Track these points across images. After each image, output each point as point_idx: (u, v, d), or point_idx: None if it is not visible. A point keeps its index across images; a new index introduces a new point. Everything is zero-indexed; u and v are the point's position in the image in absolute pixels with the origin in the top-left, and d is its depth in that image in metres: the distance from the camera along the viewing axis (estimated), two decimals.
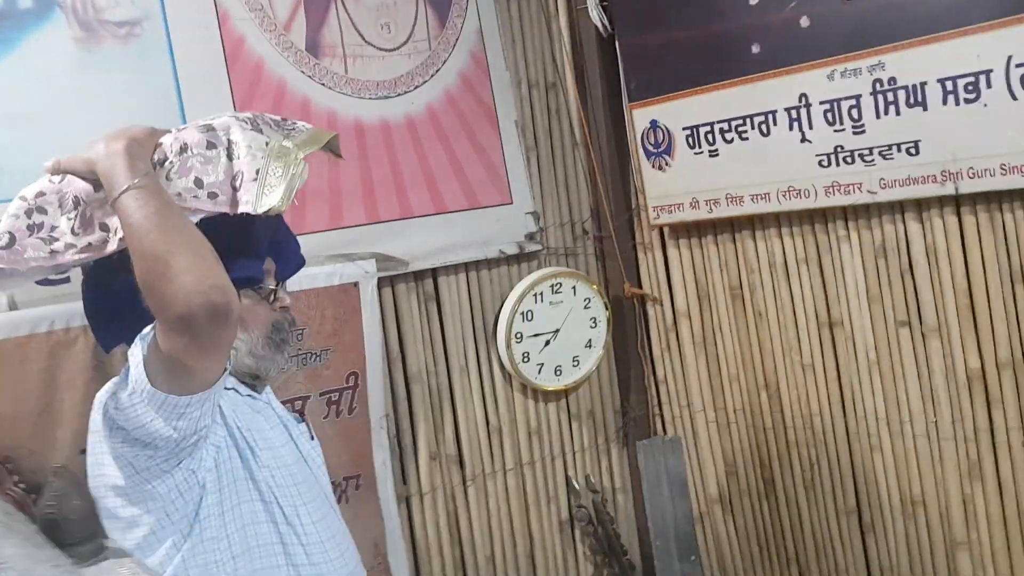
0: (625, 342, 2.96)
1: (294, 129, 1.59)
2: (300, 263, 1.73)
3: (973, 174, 1.99)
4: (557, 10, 2.87)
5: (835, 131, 2.23)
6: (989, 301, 2.12)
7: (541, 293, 2.73)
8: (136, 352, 1.37)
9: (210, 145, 1.47)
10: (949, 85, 1.98)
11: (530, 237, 2.75)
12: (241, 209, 1.42)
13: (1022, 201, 2.02)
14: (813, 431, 2.57)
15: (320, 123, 2.38)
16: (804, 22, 2.21)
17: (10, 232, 1.50)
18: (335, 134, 1.64)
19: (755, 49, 2.37)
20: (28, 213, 1.51)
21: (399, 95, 2.54)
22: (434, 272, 2.60)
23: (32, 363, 1.95)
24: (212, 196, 1.43)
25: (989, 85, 1.93)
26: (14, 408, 1.93)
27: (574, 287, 2.79)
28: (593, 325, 2.84)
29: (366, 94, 2.48)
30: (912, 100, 2.05)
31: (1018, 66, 1.90)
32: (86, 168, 1.45)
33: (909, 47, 2.01)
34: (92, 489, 1.50)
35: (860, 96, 2.15)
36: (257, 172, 1.43)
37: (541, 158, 2.83)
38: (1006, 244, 2.07)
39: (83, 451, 1.98)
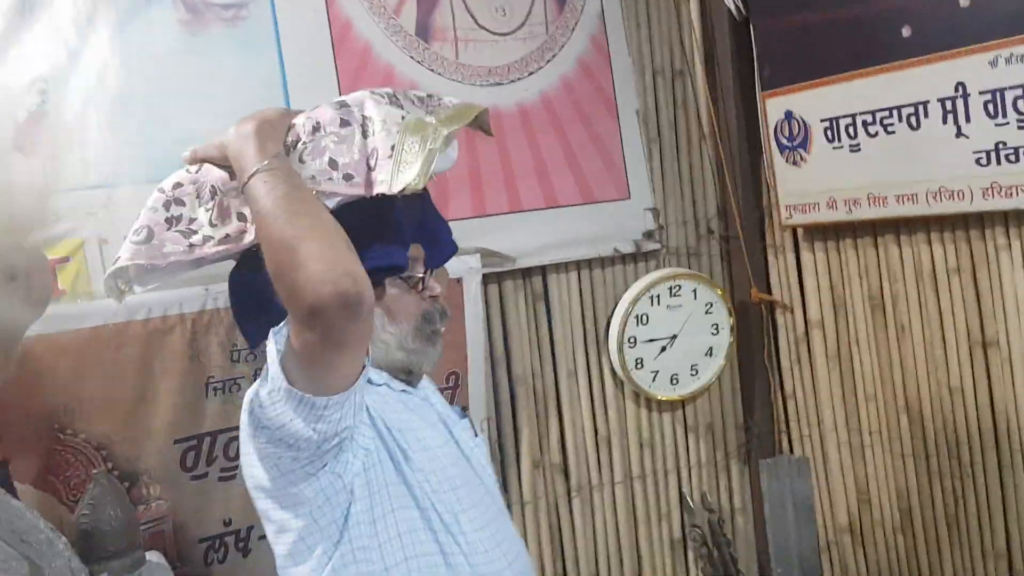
0: (750, 352, 2.73)
1: (439, 105, 1.52)
2: (452, 250, 1.62)
3: None
4: None
5: (997, 125, 1.95)
6: None
7: (658, 295, 2.55)
8: (271, 348, 1.29)
9: (343, 123, 1.40)
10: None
11: (648, 235, 2.57)
12: (376, 190, 1.35)
13: None
14: (959, 461, 2.29)
15: None
16: (963, 1, 1.95)
17: (148, 226, 1.45)
18: (484, 108, 1.54)
19: (905, 32, 2.11)
20: (166, 205, 1.46)
21: (512, 82, 2.41)
22: (543, 270, 2.47)
23: (129, 350, 1.95)
24: (347, 178, 1.37)
25: None
26: (109, 394, 1.92)
27: (695, 290, 2.60)
28: (715, 332, 2.64)
29: (476, 81, 2.37)
30: None
31: None
32: (219, 154, 1.41)
33: None
34: (249, 489, 1.42)
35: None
36: (392, 148, 1.35)
37: (664, 151, 2.65)
38: None
39: (176, 440, 2.00)
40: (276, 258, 1.23)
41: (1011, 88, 1.92)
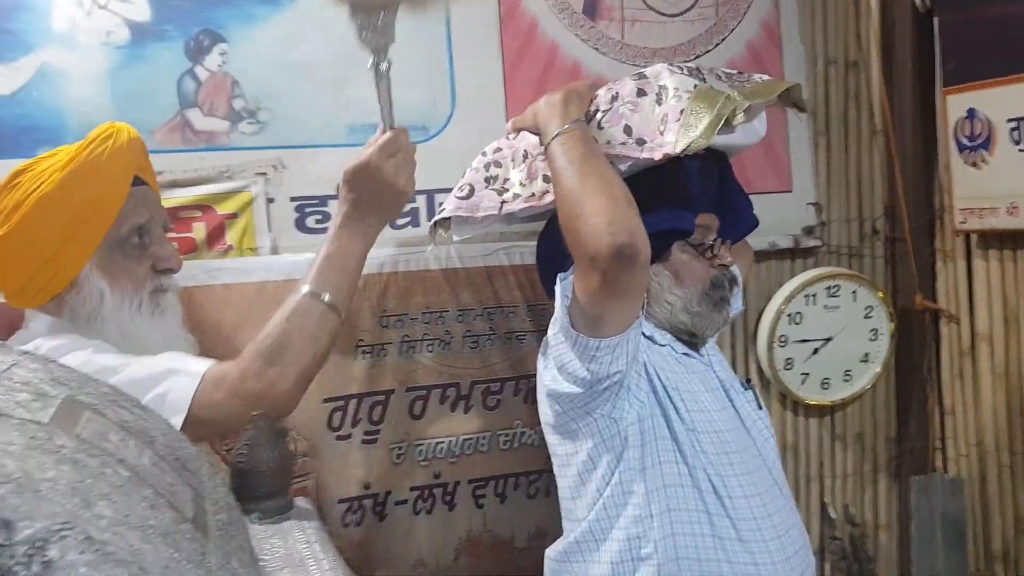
0: (909, 362, 2.58)
1: (748, 80, 1.59)
2: (752, 225, 1.73)
3: None
4: None
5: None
6: None
7: (815, 295, 2.45)
8: (558, 292, 1.46)
9: (640, 92, 1.51)
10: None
11: (808, 231, 2.47)
12: (664, 151, 1.45)
13: None
14: None
15: None
16: None
17: (471, 184, 1.68)
18: (794, 84, 1.63)
19: None
20: (487, 167, 1.68)
21: (678, 67, 2.35)
22: None
23: None
24: (640, 143, 1.47)
25: None
26: None
27: (855, 292, 2.47)
28: (873, 338, 2.51)
29: (641, 62, 2.31)
30: None
31: None
32: (532, 122, 1.57)
33: None
34: (542, 426, 1.60)
35: None
36: (681, 113, 1.44)
37: (832, 144, 2.53)
38: None
39: (325, 400, 2.05)
40: (566, 211, 1.38)
41: None
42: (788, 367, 2.44)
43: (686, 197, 1.53)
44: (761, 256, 2.45)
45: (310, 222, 2.08)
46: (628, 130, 1.47)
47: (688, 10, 2.36)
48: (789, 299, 2.41)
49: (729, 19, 2.39)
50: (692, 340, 1.61)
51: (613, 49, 2.30)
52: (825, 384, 2.49)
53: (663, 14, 2.34)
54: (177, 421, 1.29)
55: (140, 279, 1.45)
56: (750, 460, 1.51)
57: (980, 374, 2.46)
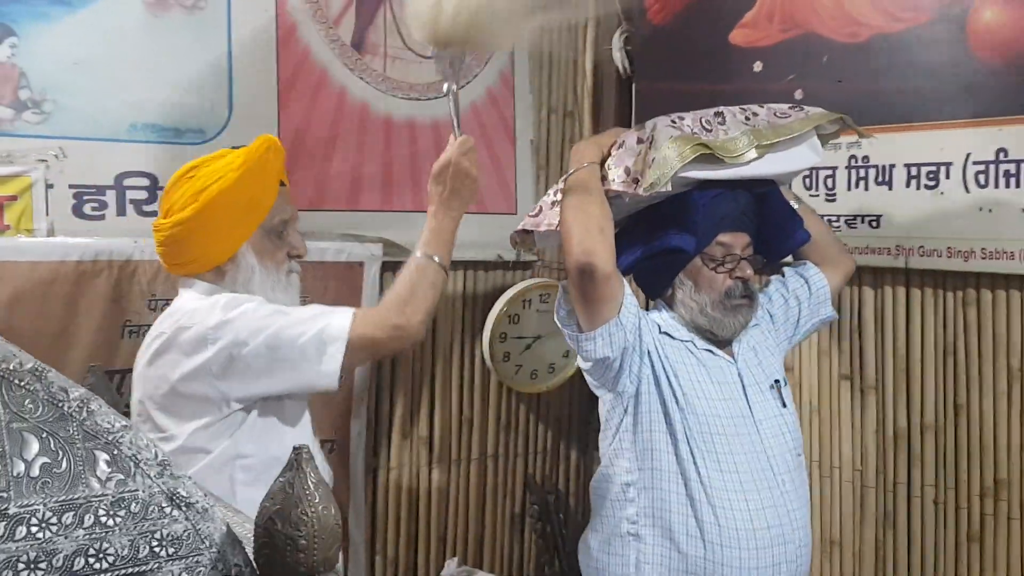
0: None
1: (785, 117, 1.91)
2: (799, 240, 1.99)
3: (923, 252, 2.21)
4: (585, 47, 3.09)
5: (810, 196, 2.44)
6: (923, 368, 2.33)
7: (530, 300, 2.94)
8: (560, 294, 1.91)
9: (639, 140, 1.85)
10: (913, 171, 2.21)
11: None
12: (638, 190, 1.79)
13: (962, 283, 2.24)
14: None
15: (352, 114, 2.61)
16: (799, 94, 2.42)
17: (540, 204, 1.98)
18: (839, 115, 1.97)
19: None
20: (555, 192, 1.95)
21: (428, 99, 2.76)
22: None
23: (59, 287, 2.16)
24: (635, 180, 1.80)
25: (948, 176, 2.17)
26: (36, 326, 2.12)
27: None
28: None
29: (399, 93, 2.70)
30: (880, 179, 2.28)
31: (975, 163, 2.13)
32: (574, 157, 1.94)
33: (884, 131, 2.22)
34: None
35: (836, 168, 2.37)
36: (653, 160, 1.78)
37: (551, 176, 3.05)
38: (944, 319, 2.28)
39: (91, 367, 2.22)
40: (562, 232, 1.82)
41: (824, 168, 2.41)
42: (506, 359, 2.92)
43: (686, 221, 1.85)
44: (489, 266, 2.91)
45: (87, 209, 2.24)
46: (627, 170, 1.81)
47: None
48: (510, 302, 2.89)
49: (474, 66, 2.84)
50: (714, 338, 1.91)
51: (375, 80, 2.66)
52: (534, 375, 3.00)
53: (419, 55, 2.74)
54: (337, 348, 1.71)
55: (280, 261, 1.86)
56: (748, 447, 1.82)
57: None
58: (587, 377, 1.95)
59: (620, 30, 3.01)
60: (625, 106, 3.05)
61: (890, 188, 2.26)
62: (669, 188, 1.76)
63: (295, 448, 0.72)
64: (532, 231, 1.98)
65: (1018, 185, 2.09)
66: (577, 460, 3.20)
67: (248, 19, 2.44)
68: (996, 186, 2.13)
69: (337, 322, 1.74)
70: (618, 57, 3.01)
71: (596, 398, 3.13)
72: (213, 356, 1.69)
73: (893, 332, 2.37)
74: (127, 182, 2.28)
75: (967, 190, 2.15)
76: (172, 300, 2.28)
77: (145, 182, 2.30)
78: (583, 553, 1.98)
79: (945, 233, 2.18)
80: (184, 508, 0.70)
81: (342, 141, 2.61)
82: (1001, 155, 2.12)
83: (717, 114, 1.88)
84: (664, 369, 1.85)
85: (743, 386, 1.88)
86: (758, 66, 2.54)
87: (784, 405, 1.92)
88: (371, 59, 2.67)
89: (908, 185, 2.23)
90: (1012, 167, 2.10)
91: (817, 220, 2.10)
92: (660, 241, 1.86)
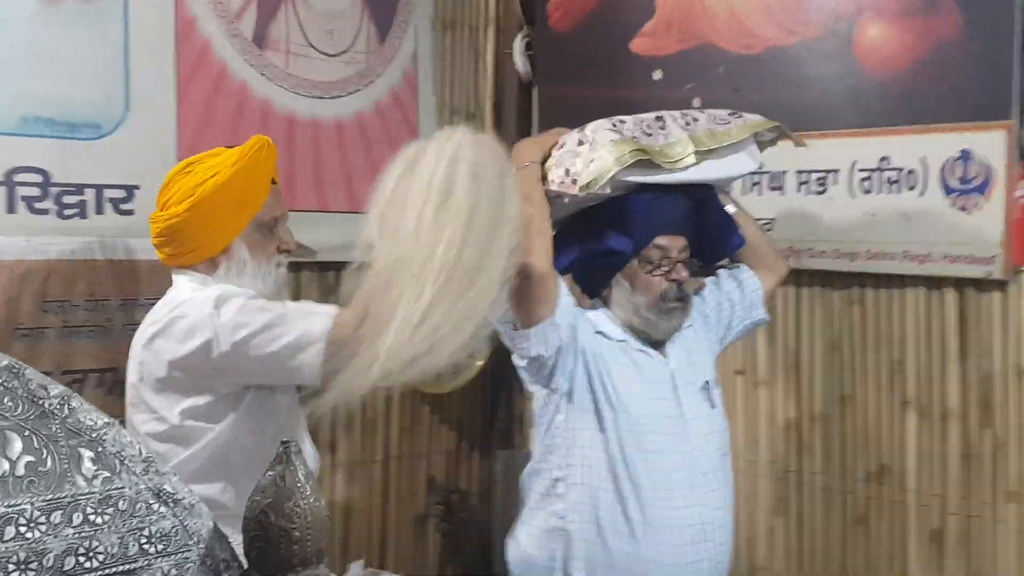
0: (507, 357, 3.18)
1: (724, 123, 1.94)
2: (734, 246, 2.05)
3: (812, 254, 2.36)
4: (486, 50, 3.14)
5: None
6: (813, 363, 2.48)
7: None
8: None
9: (579, 142, 1.86)
10: (804, 177, 2.35)
11: None
12: (576, 191, 1.81)
13: (848, 282, 2.39)
14: None
15: (254, 110, 2.57)
16: (696, 103, 2.53)
17: None
18: (774, 124, 2.01)
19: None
20: None
21: (332, 97, 2.74)
22: (339, 266, 2.77)
23: None
24: (574, 181, 1.81)
25: (836, 182, 2.31)
26: None
27: None
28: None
29: (302, 91, 2.67)
30: (773, 185, 2.42)
31: (860, 171, 2.29)
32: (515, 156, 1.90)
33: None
34: None
35: None
36: (592, 161, 1.79)
37: None
38: (831, 316, 2.43)
39: None
40: None
41: None
42: None
43: (624, 225, 1.87)
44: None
45: None
46: (567, 172, 1.82)
47: (344, 52, 2.76)
48: None
49: (377, 66, 2.84)
50: (648, 338, 1.93)
51: (278, 76, 2.63)
52: (438, 376, 2.99)
53: (323, 52, 2.71)
54: (318, 348, 1.74)
55: (270, 254, 1.91)
56: (676, 444, 1.86)
57: None
58: (521, 374, 1.96)
59: (521, 35, 3.07)
60: (527, 110, 3.10)
61: (782, 193, 2.39)
62: (608, 191, 1.81)
63: (283, 442, 0.73)
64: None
65: (899, 191, 2.26)
66: (480, 460, 3.23)
67: (146, 11, 2.37)
68: (879, 192, 2.29)
69: (318, 323, 1.78)
70: (519, 62, 3.06)
71: (500, 398, 3.22)
72: (202, 345, 1.73)
73: (783, 328, 2.50)
74: (18, 178, 2.18)
75: (853, 196, 2.30)
76: (68, 302, 2.25)
77: (38, 178, 2.20)
78: (512, 547, 1.99)
79: (833, 236, 2.32)
80: (171, 504, 0.69)
81: (243, 138, 2.54)
82: (884, 163, 2.28)
83: (658, 119, 1.91)
84: (598, 368, 1.88)
85: (675, 386, 1.92)
86: (658, 74, 2.64)
87: (713, 406, 1.97)
88: (273, 55, 2.63)
89: (799, 191, 2.37)
90: (894, 174, 2.27)
91: (753, 225, 2.16)
92: (598, 242, 1.89)
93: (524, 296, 1.78)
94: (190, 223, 1.81)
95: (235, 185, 1.81)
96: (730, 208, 2.07)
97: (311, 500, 0.75)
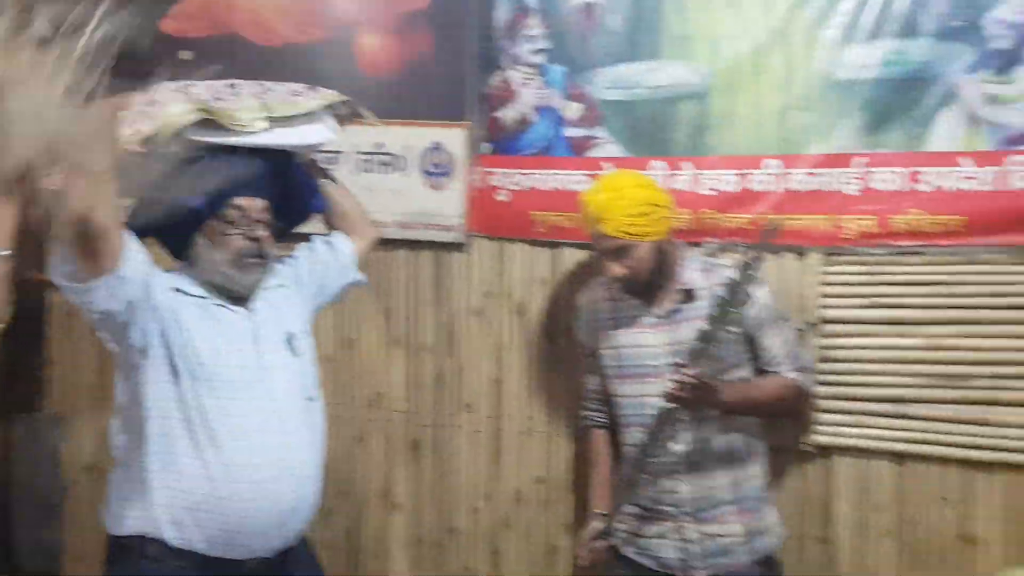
0: (25, 323, 3.18)
1: (297, 95, 2.09)
2: (307, 213, 2.22)
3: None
4: None
5: None
6: (325, 312, 2.68)
7: None
8: None
9: (150, 104, 1.88)
10: (319, 157, 2.79)
11: None
12: (138, 146, 1.86)
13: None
14: None
15: None
16: None
17: None
18: (345, 99, 2.21)
19: None
20: None
21: None
22: None
23: None
24: (139, 138, 1.85)
25: (341, 163, 2.82)
26: None
27: None
28: None
29: None
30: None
31: (360, 154, 2.84)
32: None
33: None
34: None
35: None
36: (155, 119, 1.86)
37: None
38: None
39: None
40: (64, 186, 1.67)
41: None
42: None
43: (205, 184, 1.91)
44: None
45: None
46: (136, 130, 1.85)
47: None
48: None
49: None
50: (229, 293, 2.00)
51: None
52: None
53: None
54: None
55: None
56: (250, 393, 1.96)
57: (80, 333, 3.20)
58: (98, 333, 1.97)
59: None
60: None
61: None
62: (174, 149, 1.90)
63: None
64: None
65: (391, 172, 2.86)
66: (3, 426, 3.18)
67: None
68: (375, 172, 2.86)
69: None
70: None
71: (22, 362, 3.11)
72: None
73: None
74: None
75: (355, 175, 2.82)
76: None
77: None
78: (108, 504, 2.02)
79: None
80: None
81: None
82: (379, 148, 2.86)
83: (231, 85, 2.03)
84: (176, 323, 1.95)
85: (256, 338, 2.02)
86: (187, 55, 2.88)
87: (296, 355, 2.08)
88: None
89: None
90: (387, 158, 2.87)
91: (345, 193, 2.34)
92: (176, 202, 1.93)
93: (86, 249, 1.77)
94: None
95: None
96: (324, 177, 2.30)
97: None
